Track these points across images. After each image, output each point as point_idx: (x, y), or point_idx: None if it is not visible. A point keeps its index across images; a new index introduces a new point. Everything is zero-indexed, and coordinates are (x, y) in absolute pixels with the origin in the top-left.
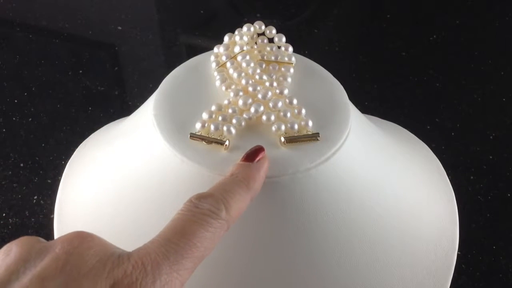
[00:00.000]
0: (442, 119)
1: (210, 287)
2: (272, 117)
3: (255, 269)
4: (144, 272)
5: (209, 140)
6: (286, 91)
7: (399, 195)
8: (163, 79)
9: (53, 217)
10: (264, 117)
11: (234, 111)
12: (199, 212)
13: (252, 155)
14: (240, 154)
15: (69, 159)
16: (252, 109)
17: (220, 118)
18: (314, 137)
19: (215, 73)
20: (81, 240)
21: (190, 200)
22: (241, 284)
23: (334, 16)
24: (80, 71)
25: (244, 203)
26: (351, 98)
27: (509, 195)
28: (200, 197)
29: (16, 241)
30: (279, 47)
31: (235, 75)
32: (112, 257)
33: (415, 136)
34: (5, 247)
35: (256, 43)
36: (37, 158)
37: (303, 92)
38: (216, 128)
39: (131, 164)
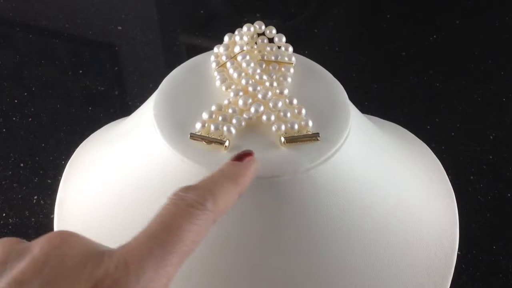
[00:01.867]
0: (442, 119)
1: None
2: (272, 117)
3: (254, 269)
4: (126, 270)
5: (209, 140)
6: (286, 91)
7: (399, 195)
8: (163, 79)
9: (53, 217)
10: (264, 117)
11: (234, 111)
12: (184, 204)
13: (241, 157)
14: None
15: (69, 159)
16: (252, 109)
17: (220, 118)
18: (314, 137)
19: (215, 73)
20: (61, 240)
21: (175, 193)
22: (240, 284)
23: (334, 16)
24: (80, 71)
25: (232, 196)
26: (351, 98)
27: (509, 195)
28: (186, 189)
29: None
30: (279, 47)
31: (235, 75)
32: (93, 257)
33: (415, 136)
34: None
35: (256, 43)
36: (37, 158)
37: (303, 92)
38: (216, 128)
39: (131, 164)
